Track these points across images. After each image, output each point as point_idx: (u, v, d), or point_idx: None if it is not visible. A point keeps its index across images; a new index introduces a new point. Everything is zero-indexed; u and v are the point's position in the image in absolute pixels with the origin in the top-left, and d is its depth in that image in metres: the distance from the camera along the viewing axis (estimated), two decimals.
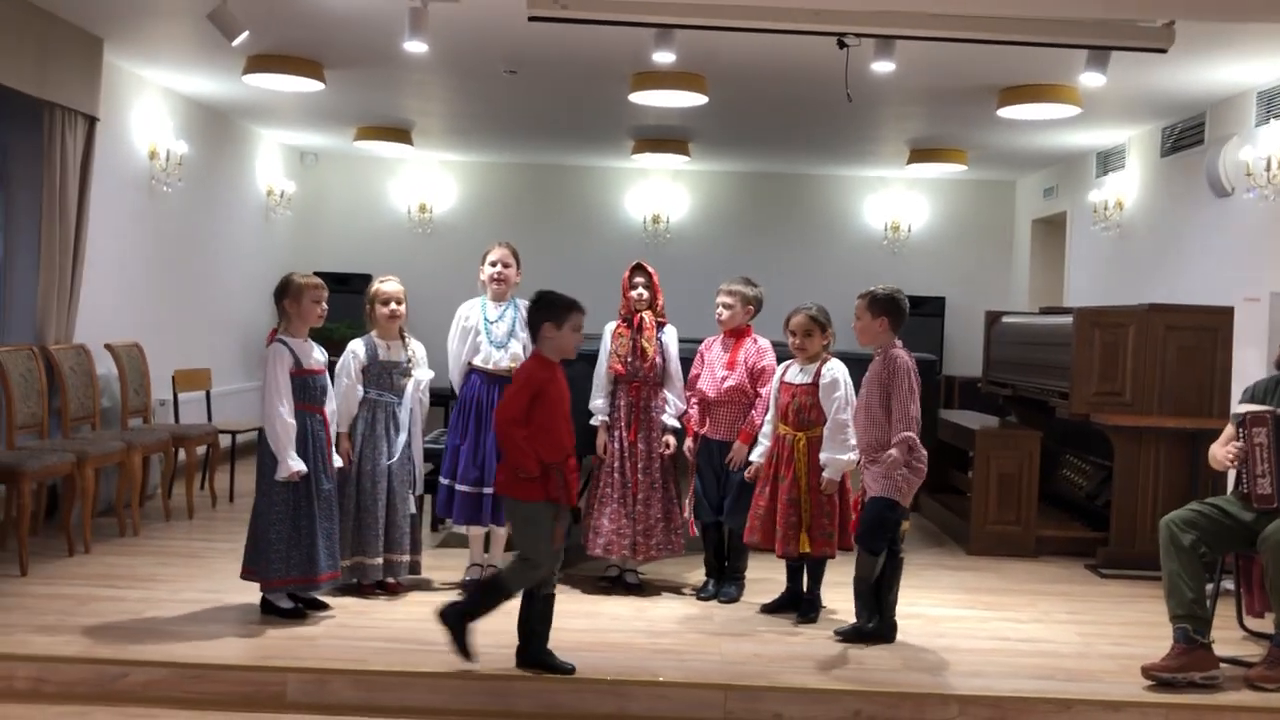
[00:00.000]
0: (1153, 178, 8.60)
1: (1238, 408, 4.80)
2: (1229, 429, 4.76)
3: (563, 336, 4.35)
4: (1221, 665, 4.41)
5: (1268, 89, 6.88)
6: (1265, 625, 4.76)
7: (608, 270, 8.73)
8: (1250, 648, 4.84)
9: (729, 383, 5.32)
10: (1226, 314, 6.46)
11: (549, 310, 4.36)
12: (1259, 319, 6.01)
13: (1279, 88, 6.77)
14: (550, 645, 4.36)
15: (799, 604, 5.17)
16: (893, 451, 4.56)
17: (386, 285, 5.24)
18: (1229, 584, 5.15)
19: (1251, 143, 6.93)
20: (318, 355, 4.93)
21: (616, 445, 5.33)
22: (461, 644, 4.19)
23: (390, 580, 5.22)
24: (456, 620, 4.21)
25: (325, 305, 4.91)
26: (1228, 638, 4.89)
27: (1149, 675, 4.32)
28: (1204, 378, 6.49)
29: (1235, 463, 4.60)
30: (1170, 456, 6.42)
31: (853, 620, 4.87)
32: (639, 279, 5.38)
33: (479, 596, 4.31)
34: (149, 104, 8.00)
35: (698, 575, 5.63)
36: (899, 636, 4.81)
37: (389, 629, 4.70)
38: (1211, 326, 6.52)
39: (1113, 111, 7.98)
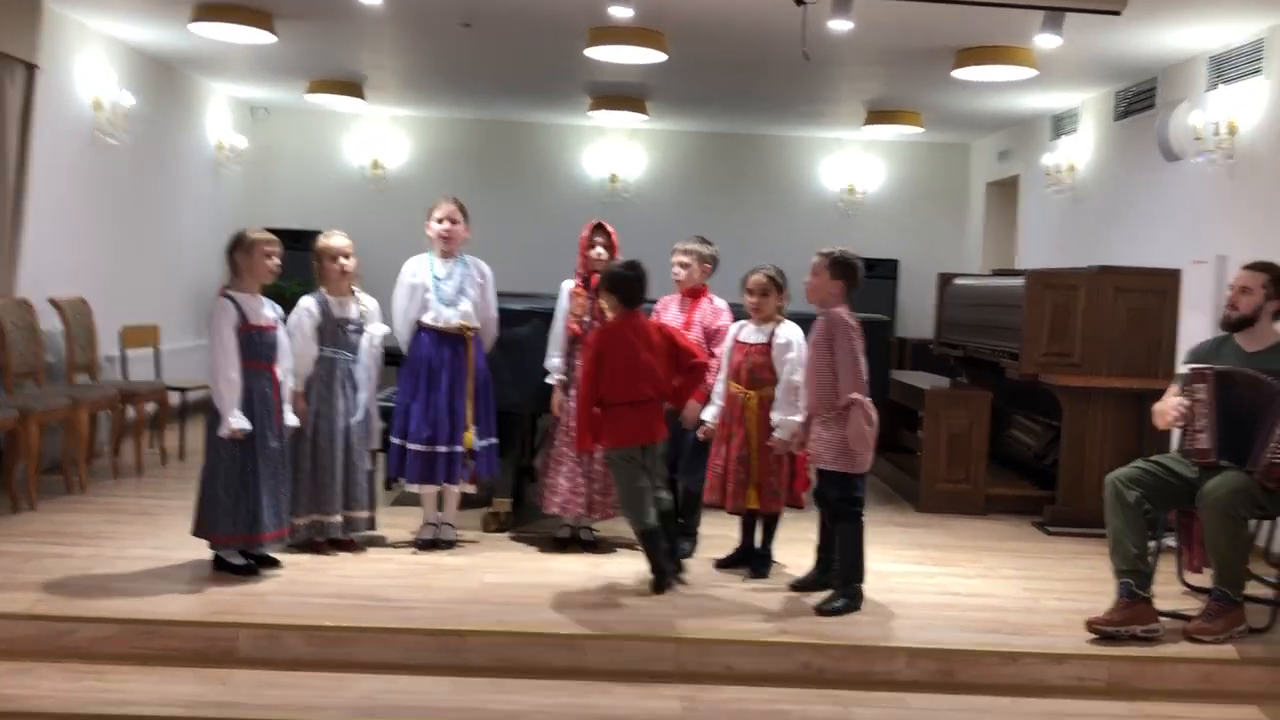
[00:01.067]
0: (1105, 141, 8.68)
1: (1181, 368, 4.89)
2: (1172, 388, 4.84)
3: None
4: (1161, 619, 4.52)
5: (1218, 54, 6.95)
6: (1204, 580, 4.87)
7: (564, 229, 8.70)
8: (1189, 602, 4.95)
9: None
10: (1174, 277, 6.55)
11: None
12: (1205, 282, 6.11)
13: (1229, 53, 6.84)
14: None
15: (751, 559, 5.21)
16: (857, 426, 4.56)
17: (335, 240, 5.17)
18: (1170, 541, 5.27)
19: (1201, 107, 7.01)
20: (268, 312, 4.85)
21: (573, 404, 5.32)
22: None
23: (346, 537, 5.20)
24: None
25: (278, 260, 4.84)
26: (1168, 592, 5.00)
27: (1092, 629, 4.42)
28: (1152, 339, 6.60)
29: (1177, 419, 4.69)
30: (1117, 417, 6.53)
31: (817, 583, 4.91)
32: (599, 239, 5.35)
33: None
34: (92, 53, 7.80)
35: None
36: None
37: (341, 585, 4.69)
38: (1160, 289, 6.61)
39: (1067, 74, 8.03)
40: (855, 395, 4.60)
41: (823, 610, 4.65)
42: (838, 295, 4.77)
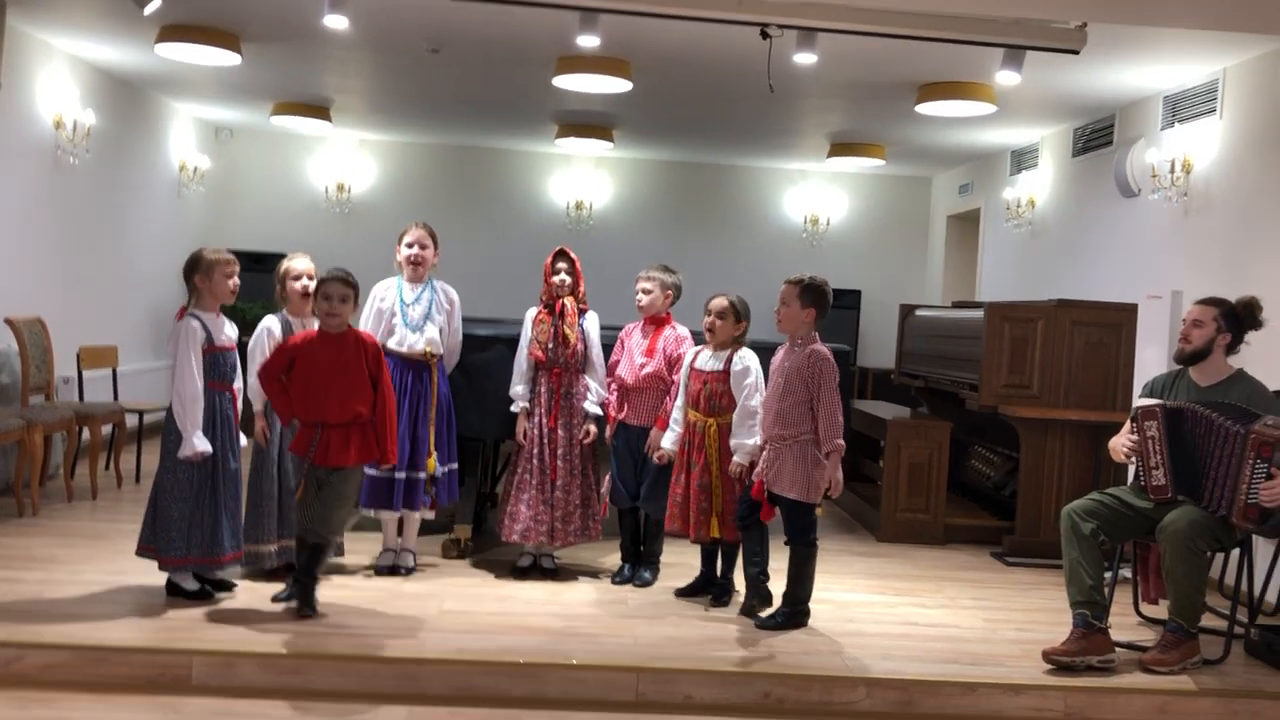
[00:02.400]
0: (1064, 177, 8.82)
1: (1138, 402, 4.96)
2: (1128, 423, 4.91)
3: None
4: (1117, 650, 4.55)
5: (1172, 94, 7.10)
6: (1160, 611, 4.92)
7: (530, 255, 8.71)
8: (1145, 633, 5.01)
9: (647, 369, 5.33)
10: (1131, 311, 6.65)
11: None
12: (1161, 316, 6.20)
13: (1184, 93, 6.99)
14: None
15: (712, 587, 5.21)
16: (835, 471, 4.65)
17: (297, 262, 5.14)
18: (1127, 572, 5.33)
19: (1157, 145, 7.15)
20: (229, 332, 4.83)
21: (536, 431, 5.31)
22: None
23: None
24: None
25: (237, 280, 4.81)
26: (1124, 623, 5.06)
27: (1049, 659, 4.44)
28: (1108, 372, 6.69)
29: (1131, 456, 4.76)
30: (1074, 448, 6.61)
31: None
32: (561, 265, 5.36)
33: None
34: (55, 72, 7.74)
35: (613, 560, 5.64)
36: (809, 621, 4.88)
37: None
38: (1116, 323, 6.71)
39: (1027, 111, 8.17)
40: (839, 442, 4.66)
41: (765, 624, 4.77)
42: (809, 324, 4.82)
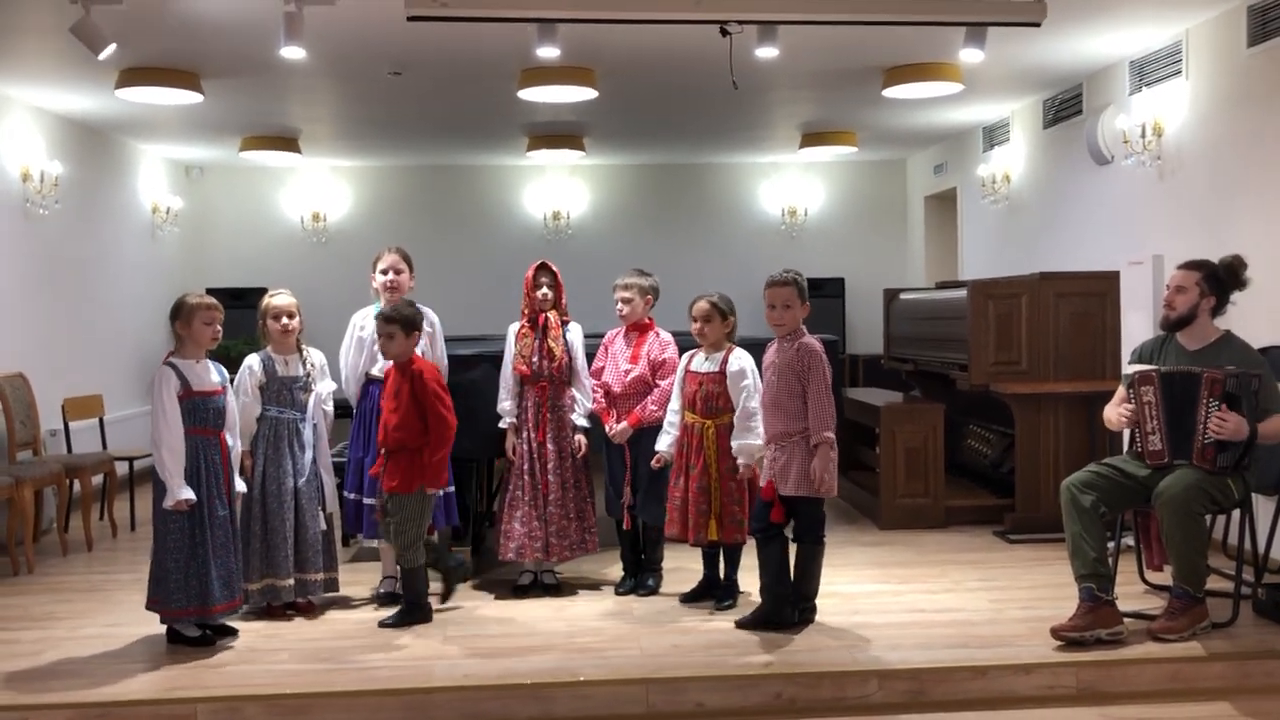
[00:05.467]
0: (1037, 149, 8.81)
1: (1127, 368, 4.94)
2: (1120, 390, 4.89)
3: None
4: (1125, 620, 4.54)
5: (1138, 58, 7.09)
6: (1165, 578, 4.91)
7: (510, 269, 8.64)
8: (1152, 601, 4.99)
9: (632, 375, 5.31)
10: (1113, 278, 6.64)
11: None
12: (1144, 282, 6.18)
13: (1149, 56, 6.98)
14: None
15: (716, 591, 5.18)
16: (824, 469, 4.62)
17: (278, 299, 5.10)
18: (1129, 540, 5.31)
19: (1126, 111, 7.14)
20: (215, 376, 4.75)
21: (525, 447, 5.28)
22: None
23: (302, 600, 5.10)
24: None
25: (219, 327, 4.76)
26: (1130, 592, 5.04)
27: (1057, 636, 4.42)
28: (1095, 341, 6.68)
29: (1128, 423, 4.74)
30: (1068, 420, 6.60)
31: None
32: (544, 279, 5.32)
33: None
34: (18, 123, 7.69)
35: (615, 571, 5.61)
36: (816, 617, 4.85)
37: (300, 650, 4.59)
38: (1100, 291, 6.70)
39: (994, 87, 8.15)
40: (828, 434, 4.62)
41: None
42: (803, 319, 4.81)
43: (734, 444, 4.96)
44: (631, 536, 5.45)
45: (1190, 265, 4.77)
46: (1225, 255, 4.76)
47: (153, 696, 4.10)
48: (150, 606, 4.68)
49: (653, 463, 5.19)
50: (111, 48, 5.48)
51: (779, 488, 4.72)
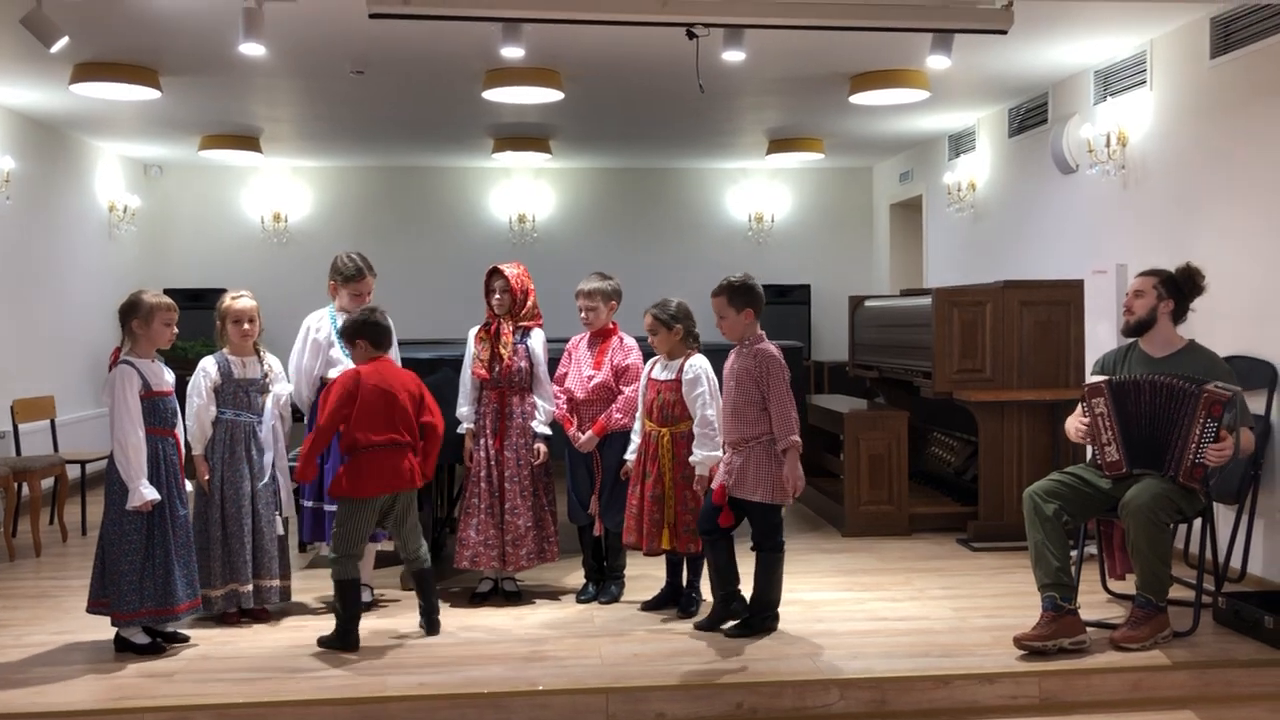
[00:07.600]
0: (1002, 158, 8.84)
1: (1090, 379, 4.94)
2: (1080, 404, 4.89)
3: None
4: (1088, 629, 4.52)
5: (1103, 68, 7.12)
6: (1127, 587, 4.91)
7: (474, 273, 8.53)
8: (1115, 609, 4.99)
9: (596, 380, 5.24)
10: (1077, 287, 6.66)
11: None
12: (1107, 290, 6.19)
13: (1113, 66, 7.01)
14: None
15: (679, 599, 5.12)
16: (794, 474, 4.58)
17: (238, 302, 4.99)
18: (1092, 549, 5.31)
19: (1091, 120, 7.17)
20: (167, 377, 4.68)
21: (483, 454, 5.19)
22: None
23: (260, 606, 4.99)
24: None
25: (176, 328, 4.67)
26: (1093, 601, 5.04)
27: (1020, 645, 4.40)
28: (1059, 350, 6.69)
29: (1084, 436, 4.74)
30: (1032, 429, 6.60)
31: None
32: (496, 283, 5.24)
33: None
34: None
35: (576, 578, 5.54)
36: (779, 625, 4.81)
37: (252, 658, 4.48)
38: (1064, 300, 6.72)
39: (961, 94, 8.17)
40: (794, 438, 4.58)
41: (735, 633, 4.71)
42: (751, 323, 4.75)
43: (695, 454, 4.89)
44: (593, 544, 5.38)
45: (1147, 272, 4.83)
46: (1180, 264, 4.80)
47: (100, 706, 3.99)
48: (94, 609, 4.56)
49: (621, 473, 5.14)
50: (64, 41, 5.36)
51: (735, 492, 4.67)
